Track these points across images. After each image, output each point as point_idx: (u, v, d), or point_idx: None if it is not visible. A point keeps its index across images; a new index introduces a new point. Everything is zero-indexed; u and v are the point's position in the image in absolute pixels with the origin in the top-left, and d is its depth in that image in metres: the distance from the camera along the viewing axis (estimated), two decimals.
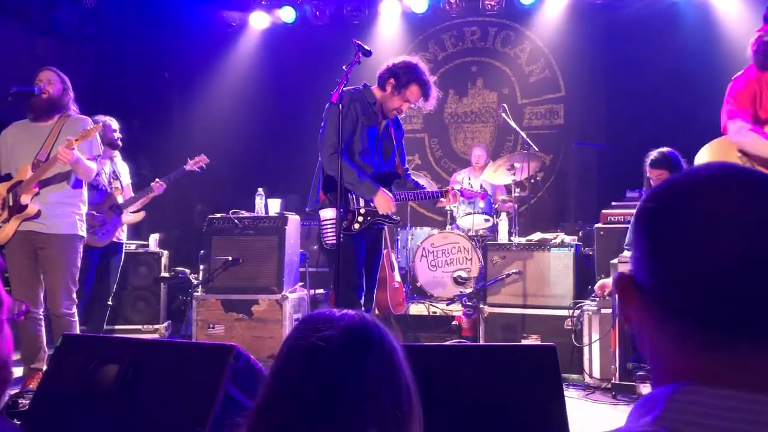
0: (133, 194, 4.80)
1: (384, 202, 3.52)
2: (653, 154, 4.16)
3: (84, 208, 3.92)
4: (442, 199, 3.74)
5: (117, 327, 5.09)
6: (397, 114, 3.71)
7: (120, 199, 4.65)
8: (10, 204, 3.73)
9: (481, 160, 6.42)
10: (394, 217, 3.69)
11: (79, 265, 3.82)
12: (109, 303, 4.69)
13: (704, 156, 3.10)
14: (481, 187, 5.65)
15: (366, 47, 3.48)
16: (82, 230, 3.86)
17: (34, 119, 3.86)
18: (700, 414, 0.63)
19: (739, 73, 3.08)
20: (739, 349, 0.64)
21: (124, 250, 4.80)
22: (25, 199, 3.69)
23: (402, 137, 3.87)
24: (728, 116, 3.01)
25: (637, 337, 0.75)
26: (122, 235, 4.75)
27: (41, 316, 3.74)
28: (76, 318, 3.81)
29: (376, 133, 3.66)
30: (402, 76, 3.57)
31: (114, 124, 4.76)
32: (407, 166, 3.93)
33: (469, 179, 5.25)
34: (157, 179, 4.80)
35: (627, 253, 4.00)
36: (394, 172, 3.78)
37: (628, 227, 4.40)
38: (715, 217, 0.65)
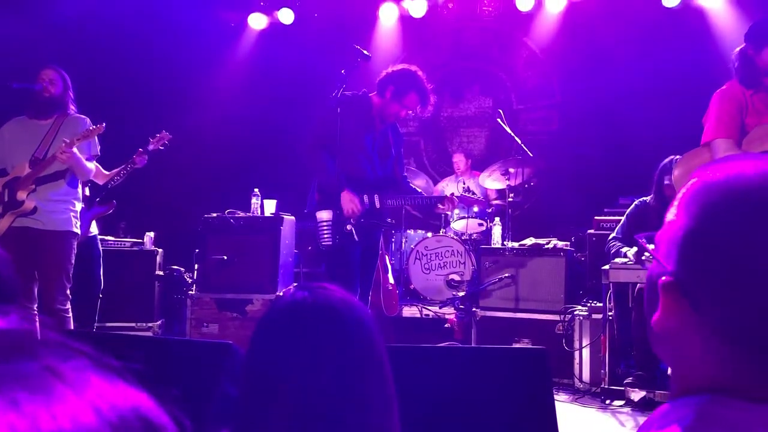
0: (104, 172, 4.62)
1: (347, 202, 3.52)
2: (676, 159, 4.15)
3: (79, 206, 3.94)
4: (440, 206, 3.77)
5: (110, 324, 5.10)
6: (395, 120, 3.75)
7: (87, 191, 4.60)
8: (5, 200, 3.76)
9: (461, 165, 6.65)
10: (388, 219, 3.75)
11: (73, 261, 3.83)
12: (100, 296, 4.68)
13: (683, 168, 3.15)
14: (469, 190, 5.71)
15: (364, 51, 3.54)
16: (77, 227, 3.88)
17: (33, 116, 3.88)
18: (733, 428, 0.60)
19: (723, 88, 3.14)
20: None
21: (99, 242, 4.76)
22: (21, 195, 3.72)
23: (401, 144, 3.92)
24: (714, 134, 3.07)
25: (661, 343, 0.72)
26: (93, 227, 4.70)
27: (35, 312, 3.75)
28: (70, 314, 3.83)
29: (373, 138, 3.70)
30: (401, 83, 3.61)
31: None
32: (406, 174, 3.98)
33: (464, 184, 5.30)
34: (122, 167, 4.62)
35: (619, 260, 4.05)
36: (390, 177, 3.82)
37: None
38: None
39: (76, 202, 3.91)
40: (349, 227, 3.53)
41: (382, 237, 4.03)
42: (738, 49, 3.15)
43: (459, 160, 6.74)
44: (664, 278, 0.67)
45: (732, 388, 0.63)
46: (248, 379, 1.05)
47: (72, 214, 3.85)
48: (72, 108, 3.94)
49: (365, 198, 3.59)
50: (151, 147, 4.57)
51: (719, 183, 0.66)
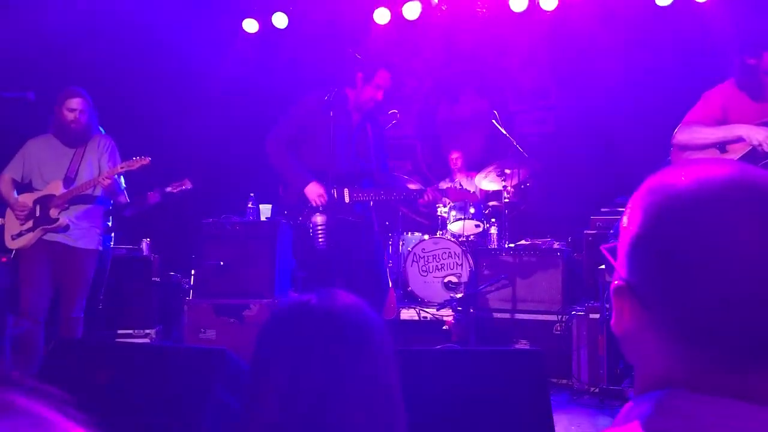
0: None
1: (312, 193, 3.65)
2: None
3: (103, 225, 4.19)
4: (420, 200, 3.76)
5: (107, 332, 5.08)
6: (374, 105, 3.74)
7: None
8: (37, 215, 3.95)
9: (458, 162, 6.72)
10: (386, 222, 3.79)
11: (92, 275, 4.07)
12: (99, 306, 4.68)
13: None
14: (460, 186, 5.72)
15: (357, 55, 3.56)
16: (100, 245, 4.15)
17: (57, 136, 4.05)
18: (691, 418, 0.62)
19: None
20: (746, 368, 0.64)
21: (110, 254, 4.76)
22: (54, 212, 3.93)
23: (383, 137, 3.96)
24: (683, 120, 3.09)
25: (623, 344, 0.75)
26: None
27: (41, 321, 3.91)
28: (82, 322, 4.03)
29: (347, 131, 3.75)
30: (367, 65, 3.69)
31: None
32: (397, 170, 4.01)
33: (460, 186, 5.30)
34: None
35: None
36: (369, 169, 3.85)
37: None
38: (748, 246, 0.63)
39: (102, 219, 4.16)
40: (315, 220, 3.59)
41: (379, 240, 4.04)
42: (738, 61, 3.06)
43: (456, 157, 6.81)
44: (615, 283, 0.72)
45: (686, 382, 0.66)
46: (251, 375, 1.05)
47: (97, 232, 4.10)
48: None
49: (334, 192, 3.62)
50: (168, 189, 4.76)
51: (657, 189, 0.71)
